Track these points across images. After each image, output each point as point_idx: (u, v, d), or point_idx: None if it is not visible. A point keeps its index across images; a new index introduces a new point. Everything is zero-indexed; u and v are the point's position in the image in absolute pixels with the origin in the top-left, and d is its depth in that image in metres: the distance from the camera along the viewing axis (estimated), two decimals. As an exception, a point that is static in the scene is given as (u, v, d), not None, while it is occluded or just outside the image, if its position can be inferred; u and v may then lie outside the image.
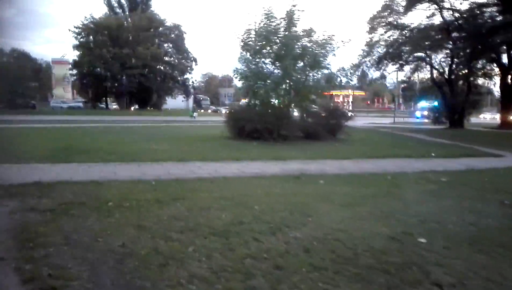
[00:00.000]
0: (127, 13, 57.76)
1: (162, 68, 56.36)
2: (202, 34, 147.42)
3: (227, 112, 16.16)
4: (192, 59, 58.16)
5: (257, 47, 13.84)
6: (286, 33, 13.81)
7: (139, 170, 7.83)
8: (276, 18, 13.92)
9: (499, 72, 26.03)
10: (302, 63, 13.91)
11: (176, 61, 57.11)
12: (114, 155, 9.65)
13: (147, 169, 7.95)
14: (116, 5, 58.47)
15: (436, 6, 25.84)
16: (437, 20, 27.07)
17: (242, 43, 14.17)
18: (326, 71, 14.31)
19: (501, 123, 26.63)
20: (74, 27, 50.42)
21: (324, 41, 13.98)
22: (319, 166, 8.98)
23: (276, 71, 14.36)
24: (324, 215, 4.91)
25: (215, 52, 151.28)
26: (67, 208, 4.87)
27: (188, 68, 58.25)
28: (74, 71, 53.79)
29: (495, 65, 25.93)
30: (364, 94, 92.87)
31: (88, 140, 13.01)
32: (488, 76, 26.44)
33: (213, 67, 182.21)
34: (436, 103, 28.88)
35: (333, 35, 13.94)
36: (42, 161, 8.45)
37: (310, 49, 13.83)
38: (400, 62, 27.91)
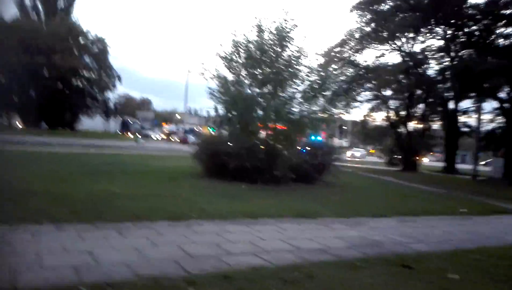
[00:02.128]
0: (43, 18, 51.06)
1: (79, 83, 50.25)
2: (124, 52, 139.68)
3: (199, 142, 12.87)
4: (115, 76, 53.00)
5: (246, 67, 11.08)
6: (281, 51, 11.32)
7: (126, 244, 4.45)
8: (267, 31, 11.38)
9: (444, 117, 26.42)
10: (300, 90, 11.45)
11: (97, 77, 51.39)
12: (62, 205, 6.02)
13: (138, 240, 4.61)
14: (30, 8, 51.40)
15: (391, 47, 25.71)
16: (389, 59, 27.05)
17: (225, 60, 11.29)
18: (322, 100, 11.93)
19: (446, 167, 26.87)
20: (-25, 26, 42.59)
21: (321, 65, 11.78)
22: (379, 232, 6.35)
23: (261, 97, 11.65)
24: None
25: (134, 72, 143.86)
26: None
27: (111, 85, 52.83)
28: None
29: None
30: (285, 128, 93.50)
31: (9, 173, 8.86)
32: (439, 119, 26.68)
33: (132, 88, 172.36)
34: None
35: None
36: None
37: (311, 73, 11.50)
38: (351, 99, 27.09)
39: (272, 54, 11.32)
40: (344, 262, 4.46)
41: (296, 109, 11.38)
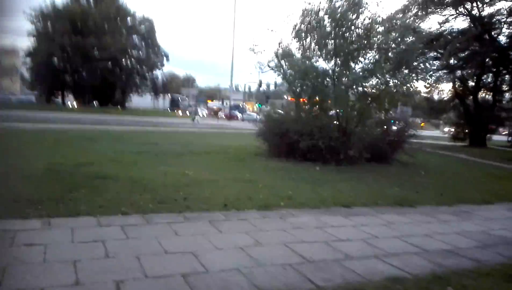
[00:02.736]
0: (91, 1, 51.72)
1: (129, 62, 50.93)
2: (166, 31, 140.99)
3: (264, 120, 12.14)
4: (163, 55, 53.23)
5: (317, 38, 10.08)
6: (354, 19, 10.23)
7: (228, 242, 3.86)
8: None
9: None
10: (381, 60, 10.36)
11: (145, 56, 51.79)
12: (142, 192, 5.56)
13: (239, 237, 4.02)
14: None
15: (457, 12, 23.45)
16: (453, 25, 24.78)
17: (294, 31, 10.37)
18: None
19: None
20: (31, 10, 43.94)
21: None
22: (500, 225, 5.43)
23: (330, 69, 10.67)
24: None
25: (177, 50, 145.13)
26: None
27: (159, 64, 53.21)
28: (27, 60, 46.90)
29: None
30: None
31: (78, 155, 8.61)
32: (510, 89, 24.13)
33: (175, 65, 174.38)
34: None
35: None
36: (13, 209, 4.25)
37: (387, 43, 10.38)
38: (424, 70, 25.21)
39: (344, 22, 10.24)
40: (494, 270, 3.62)
41: (373, 82, 10.33)
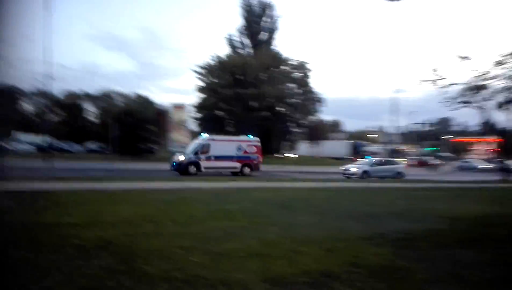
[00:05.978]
0: (249, 52, 54.11)
1: (284, 110, 50.60)
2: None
3: None
4: (317, 100, 51.62)
5: None
6: None
7: None
8: None
9: None
10: None
11: (301, 102, 50.87)
12: None
13: None
14: (239, 44, 55.32)
15: None
16: None
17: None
18: None
19: None
20: (199, 67, 47.62)
21: None
22: None
23: None
24: None
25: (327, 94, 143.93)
26: None
27: (313, 109, 51.67)
28: (197, 115, 50.45)
29: None
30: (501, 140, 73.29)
31: (293, 246, 5.74)
32: None
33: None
34: None
35: None
36: None
37: None
38: None
39: None
40: None
41: None
